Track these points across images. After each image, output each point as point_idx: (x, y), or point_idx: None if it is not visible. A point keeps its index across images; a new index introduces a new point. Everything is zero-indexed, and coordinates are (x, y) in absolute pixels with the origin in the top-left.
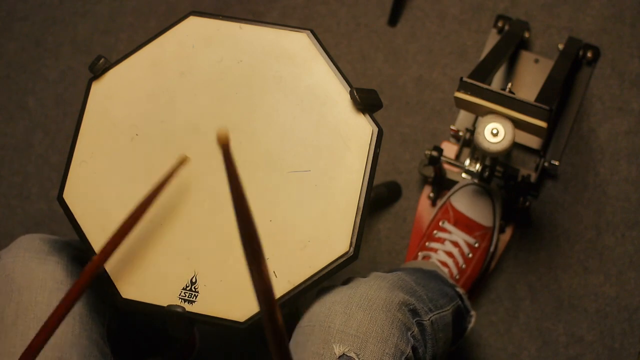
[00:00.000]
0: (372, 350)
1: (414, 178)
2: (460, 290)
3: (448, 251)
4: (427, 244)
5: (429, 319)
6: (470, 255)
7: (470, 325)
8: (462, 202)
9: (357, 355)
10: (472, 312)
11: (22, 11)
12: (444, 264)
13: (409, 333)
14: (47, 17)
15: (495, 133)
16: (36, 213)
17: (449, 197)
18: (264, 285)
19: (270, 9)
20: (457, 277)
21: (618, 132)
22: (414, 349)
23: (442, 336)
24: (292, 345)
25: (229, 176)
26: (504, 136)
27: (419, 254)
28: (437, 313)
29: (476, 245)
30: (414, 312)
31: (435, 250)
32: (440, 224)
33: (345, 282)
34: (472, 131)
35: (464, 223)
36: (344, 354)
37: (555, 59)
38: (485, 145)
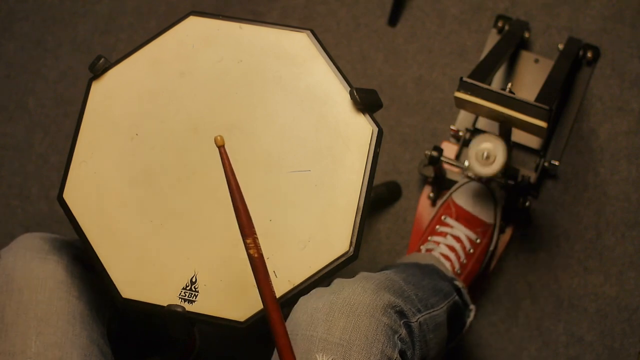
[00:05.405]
0: (357, 358)
1: (414, 178)
2: (459, 283)
3: (450, 245)
4: (430, 237)
5: (417, 320)
6: (472, 250)
7: (470, 319)
8: (464, 198)
9: None
10: (472, 306)
11: (22, 11)
12: (447, 257)
13: (396, 336)
14: (47, 17)
15: (486, 157)
16: (36, 213)
17: (451, 193)
18: (257, 256)
19: (270, 9)
20: (459, 271)
21: (618, 132)
22: (402, 352)
23: (433, 337)
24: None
25: (224, 167)
26: (496, 159)
27: (422, 247)
28: (427, 313)
29: (477, 241)
30: (401, 314)
31: (438, 244)
32: (443, 218)
33: (329, 283)
34: (472, 131)
35: (465, 218)
36: None
37: (555, 59)
38: (477, 169)
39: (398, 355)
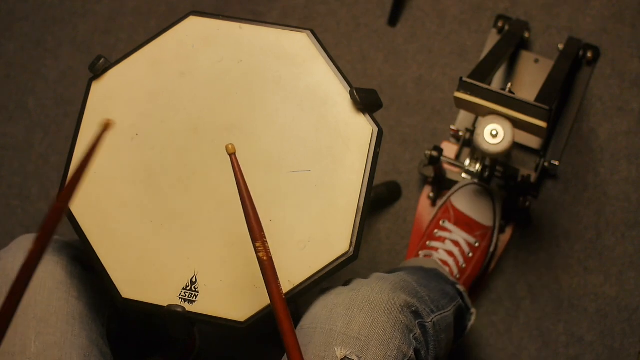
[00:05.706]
0: (374, 352)
1: (414, 178)
2: (461, 287)
3: (449, 250)
4: (427, 242)
5: (431, 321)
6: (471, 254)
7: (471, 323)
8: (463, 201)
9: (359, 357)
10: (473, 310)
11: (22, 11)
12: (445, 263)
13: (411, 335)
14: (47, 17)
15: (494, 134)
16: (36, 213)
17: (450, 196)
18: (267, 258)
19: (270, 9)
20: (458, 276)
21: (618, 132)
22: (416, 351)
23: (444, 337)
24: None
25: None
26: (504, 137)
27: (420, 252)
28: (439, 314)
29: (476, 244)
30: (416, 314)
31: (436, 249)
32: (441, 223)
33: (347, 283)
34: (472, 131)
35: (464, 222)
36: (345, 356)
37: (555, 59)
38: (485, 146)
39: (413, 354)
